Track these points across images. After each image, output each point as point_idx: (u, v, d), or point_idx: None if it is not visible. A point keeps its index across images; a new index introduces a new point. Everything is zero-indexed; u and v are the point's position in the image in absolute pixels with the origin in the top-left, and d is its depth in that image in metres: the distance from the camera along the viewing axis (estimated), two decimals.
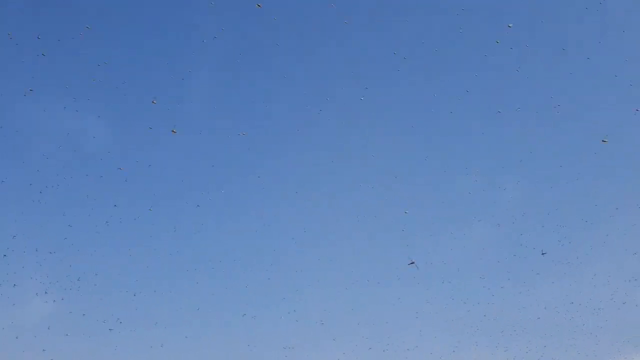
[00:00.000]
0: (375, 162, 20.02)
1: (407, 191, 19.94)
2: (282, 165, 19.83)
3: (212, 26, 19.94)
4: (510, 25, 17.88)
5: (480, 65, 21.00)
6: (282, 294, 18.27)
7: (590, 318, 17.87)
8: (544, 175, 20.04)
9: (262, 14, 19.70)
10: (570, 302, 17.85)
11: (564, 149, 20.20)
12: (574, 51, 20.70)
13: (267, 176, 19.16)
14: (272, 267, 18.61)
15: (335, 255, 18.76)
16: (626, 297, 17.56)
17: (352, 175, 19.79)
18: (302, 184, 19.74)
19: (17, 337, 15.66)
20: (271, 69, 20.32)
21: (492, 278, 18.36)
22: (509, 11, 20.49)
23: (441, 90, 20.33)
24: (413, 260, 15.58)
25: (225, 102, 19.71)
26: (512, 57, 20.50)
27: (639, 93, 19.71)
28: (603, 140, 16.92)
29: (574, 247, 18.78)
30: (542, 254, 17.22)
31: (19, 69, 18.43)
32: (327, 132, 20.48)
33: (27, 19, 18.87)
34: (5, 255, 16.17)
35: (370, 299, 18.30)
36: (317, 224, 19.32)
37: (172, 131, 16.06)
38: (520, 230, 18.95)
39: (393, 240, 19.49)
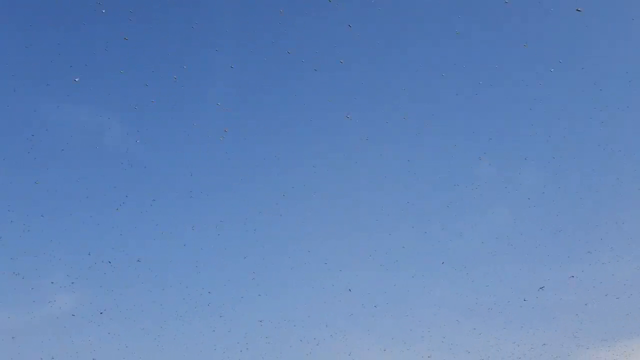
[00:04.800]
0: (393, 151, 20.05)
1: (424, 177, 19.94)
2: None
3: (231, 42, 20.16)
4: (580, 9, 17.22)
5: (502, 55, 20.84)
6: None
7: (610, 306, 17.68)
8: (564, 162, 19.80)
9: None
10: (589, 290, 17.70)
11: (585, 138, 19.98)
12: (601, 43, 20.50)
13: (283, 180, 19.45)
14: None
15: (352, 240, 18.90)
16: None
17: (370, 164, 19.86)
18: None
19: (43, 329, 16.21)
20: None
21: (507, 264, 18.26)
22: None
23: (460, 77, 20.22)
24: None
25: (247, 104, 19.92)
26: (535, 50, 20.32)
27: None
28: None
29: (591, 235, 18.57)
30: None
31: (35, 68, 18.93)
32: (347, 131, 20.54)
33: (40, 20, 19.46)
34: (25, 252, 16.67)
35: (384, 284, 18.40)
36: (334, 209, 19.54)
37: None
38: (538, 216, 18.82)
39: (411, 227, 19.54)
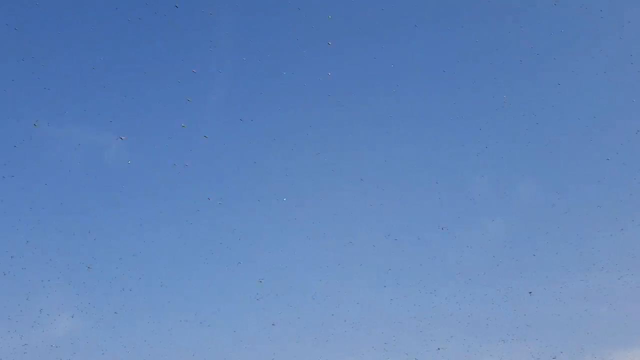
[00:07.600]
0: (390, 163, 20.25)
1: (421, 191, 20.19)
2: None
3: (229, 48, 20.40)
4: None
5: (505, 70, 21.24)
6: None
7: (602, 318, 18.01)
8: (559, 177, 20.21)
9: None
10: (583, 301, 18.05)
11: (579, 153, 20.39)
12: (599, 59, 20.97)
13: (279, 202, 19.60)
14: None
15: (345, 253, 19.04)
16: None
17: (365, 177, 20.01)
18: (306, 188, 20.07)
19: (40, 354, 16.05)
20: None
21: (502, 277, 18.54)
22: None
23: (456, 89, 20.61)
24: None
25: (239, 123, 20.14)
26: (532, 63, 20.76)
27: None
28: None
29: (586, 248, 18.91)
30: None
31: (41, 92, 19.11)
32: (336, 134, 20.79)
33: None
34: (24, 268, 16.56)
35: (377, 297, 18.58)
36: (327, 223, 19.64)
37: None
38: (534, 229, 19.13)
39: (407, 239, 19.75)
